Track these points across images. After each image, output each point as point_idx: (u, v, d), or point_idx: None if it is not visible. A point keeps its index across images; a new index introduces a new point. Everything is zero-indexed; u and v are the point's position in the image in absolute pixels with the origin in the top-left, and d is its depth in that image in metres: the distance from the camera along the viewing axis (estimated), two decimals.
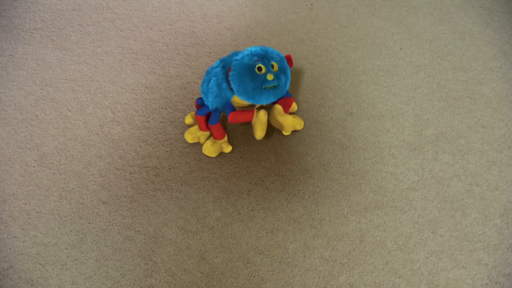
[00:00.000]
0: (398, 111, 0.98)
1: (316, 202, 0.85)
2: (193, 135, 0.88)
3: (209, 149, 0.87)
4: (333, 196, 0.86)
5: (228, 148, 0.88)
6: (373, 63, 1.07)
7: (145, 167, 0.90)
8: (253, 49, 0.76)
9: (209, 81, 0.79)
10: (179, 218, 0.83)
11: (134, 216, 0.83)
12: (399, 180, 0.88)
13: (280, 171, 0.89)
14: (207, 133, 0.89)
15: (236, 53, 0.80)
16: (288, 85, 0.78)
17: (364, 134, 0.95)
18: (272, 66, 0.75)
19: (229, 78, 0.75)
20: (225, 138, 0.89)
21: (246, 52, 0.74)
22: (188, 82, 1.04)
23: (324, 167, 0.90)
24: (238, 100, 0.81)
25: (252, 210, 0.83)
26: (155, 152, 0.92)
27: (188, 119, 0.92)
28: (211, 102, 0.81)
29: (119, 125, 0.95)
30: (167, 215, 0.83)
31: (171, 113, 0.98)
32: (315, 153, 0.92)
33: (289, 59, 0.83)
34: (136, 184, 0.87)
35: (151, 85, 1.04)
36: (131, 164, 0.90)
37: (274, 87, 0.75)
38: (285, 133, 0.91)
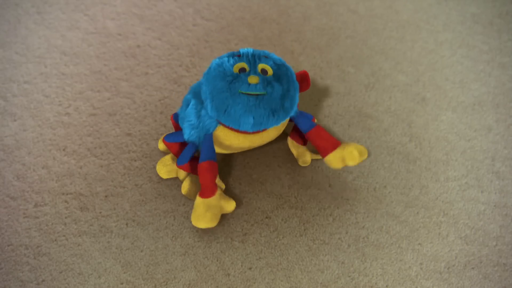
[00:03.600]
0: (506, 96, 1.04)
1: (361, 255, 0.86)
2: (168, 167, 0.93)
3: (204, 217, 0.86)
4: (391, 244, 0.87)
5: (230, 205, 0.88)
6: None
7: (63, 194, 0.92)
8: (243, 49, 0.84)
9: (188, 101, 0.87)
10: (121, 283, 0.83)
11: (42, 281, 0.83)
12: (510, 218, 0.87)
13: (298, 201, 0.92)
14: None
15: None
16: (291, 105, 0.82)
17: (447, 136, 1.00)
18: (264, 72, 0.81)
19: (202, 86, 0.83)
20: (219, 191, 0.89)
21: (228, 54, 0.83)
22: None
23: (375, 194, 0.93)
24: (223, 134, 0.85)
25: (250, 268, 0.84)
26: (81, 167, 0.95)
27: (162, 144, 0.97)
28: (187, 134, 0.87)
29: (15, 120, 0.98)
30: (101, 279, 0.83)
31: (109, 98, 1.01)
32: (360, 169, 0.96)
33: (304, 77, 0.88)
34: (46, 225, 0.89)
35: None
36: (37, 188, 0.92)
37: (259, 97, 0.80)
38: (301, 163, 0.95)
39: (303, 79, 0.89)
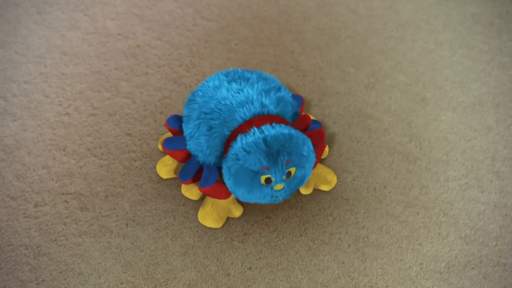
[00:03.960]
0: (506, 96, 1.03)
1: (361, 255, 0.86)
2: (168, 167, 0.93)
3: (210, 216, 0.89)
4: (391, 244, 0.87)
5: (238, 211, 0.90)
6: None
7: (63, 194, 0.92)
8: (268, 135, 0.79)
9: (199, 125, 0.85)
10: (121, 283, 0.83)
11: (42, 281, 0.83)
12: (510, 218, 0.87)
13: (298, 201, 0.92)
14: None
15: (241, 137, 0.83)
16: (302, 185, 0.86)
17: (447, 136, 1.00)
18: (288, 174, 0.81)
19: (223, 170, 0.81)
20: (232, 196, 0.90)
21: (252, 149, 0.78)
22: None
23: (375, 194, 0.93)
24: None
25: (250, 268, 0.84)
26: (81, 167, 0.95)
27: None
28: (190, 147, 0.88)
29: (15, 120, 0.98)
30: (101, 279, 0.83)
31: (109, 98, 0.98)
32: (360, 169, 0.96)
33: (319, 135, 0.86)
34: (46, 225, 0.89)
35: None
36: (37, 188, 0.92)
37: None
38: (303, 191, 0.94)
39: (318, 138, 0.88)
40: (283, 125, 0.81)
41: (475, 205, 0.91)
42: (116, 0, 1.20)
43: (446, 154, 0.97)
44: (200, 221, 0.88)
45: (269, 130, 0.79)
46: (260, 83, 0.86)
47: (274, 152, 0.78)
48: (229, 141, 0.83)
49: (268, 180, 0.79)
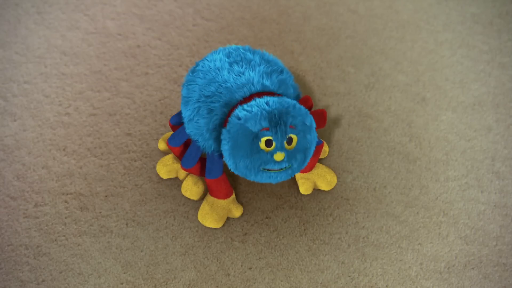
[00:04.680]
0: (506, 96, 1.03)
1: (361, 255, 0.86)
2: (168, 167, 0.93)
3: (210, 216, 0.89)
4: (391, 244, 0.87)
5: (238, 211, 0.90)
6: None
7: (63, 194, 0.92)
8: (271, 100, 0.78)
9: (199, 108, 0.84)
10: (121, 283, 0.83)
11: (42, 281, 0.83)
12: (510, 218, 0.87)
13: (298, 201, 0.92)
14: None
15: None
16: (305, 164, 0.82)
17: (447, 136, 1.00)
18: (289, 141, 0.79)
19: (221, 137, 0.80)
20: (233, 196, 0.91)
21: (254, 109, 0.78)
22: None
23: (375, 194, 0.93)
24: None
25: (250, 268, 0.84)
26: (81, 167, 0.95)
27: (162, 144, 0.96)
28: (191, 133, 0.86)
29: (15, 120, 0.98)
30: (101, 279, 0.83)
31: (109, 98, 0.99)
32: (360, 169, 0.96)
33: (321, 116, 0.85)
34: (46, 225, 0.89)
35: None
36: (37, 188, 0.92)
37: (282, 170, 0.80)
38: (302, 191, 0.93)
39: (320, 118, 0.87)
40: (285, 97, 0.80)
41: (475, 205, 0.91)
42: (116, 0, 1.20)
43: (446, 154, 0.97)
44: (200, 221, 0.88)
45: (272, 98, 0.78)
46: (262, 66, 0.85)
47: (276, 113, 0.77)
48: (229, 116, 0.82)
49: (268, 143, 0.78)
